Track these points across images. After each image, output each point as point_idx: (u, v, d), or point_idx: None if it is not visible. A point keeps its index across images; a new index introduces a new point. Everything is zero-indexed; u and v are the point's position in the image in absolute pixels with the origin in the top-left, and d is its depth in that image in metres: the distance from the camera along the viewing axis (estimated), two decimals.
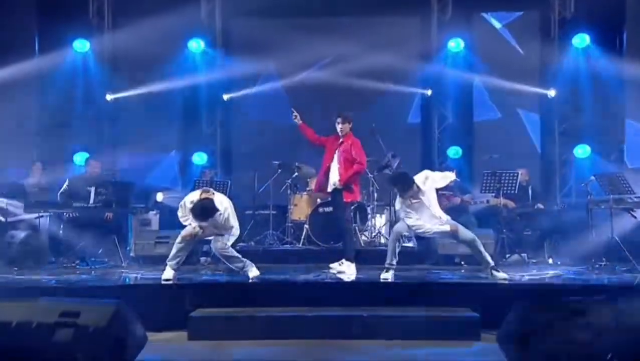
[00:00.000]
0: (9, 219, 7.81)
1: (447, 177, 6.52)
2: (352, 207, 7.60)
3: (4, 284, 6.30)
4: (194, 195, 6.21)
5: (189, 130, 10.26)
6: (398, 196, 6.42)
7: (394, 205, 6.74)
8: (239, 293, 6.11)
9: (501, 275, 6.25)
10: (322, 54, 10.01)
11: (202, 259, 8.06)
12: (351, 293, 6.25)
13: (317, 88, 9.89)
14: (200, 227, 6.19)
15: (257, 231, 9.00)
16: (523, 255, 7.95)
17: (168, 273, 6.27)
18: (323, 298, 5.95)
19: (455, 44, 9.98)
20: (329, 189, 7.22)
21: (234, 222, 6.33)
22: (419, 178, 6.33)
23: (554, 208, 8.59)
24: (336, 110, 7.36)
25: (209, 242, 6.85)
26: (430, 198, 6.34)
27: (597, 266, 7.14)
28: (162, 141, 9.98)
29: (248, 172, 9.57)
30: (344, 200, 7.08)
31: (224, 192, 7.23)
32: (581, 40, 9.68)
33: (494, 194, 8.17)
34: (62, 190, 7.81)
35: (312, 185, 8.77)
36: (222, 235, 6.30)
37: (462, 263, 7.77)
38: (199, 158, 10.09)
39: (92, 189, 7.67)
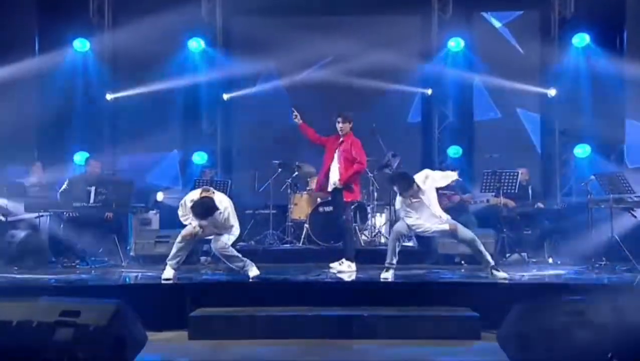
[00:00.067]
0: (9, 218, 7.82)
1: (448, 177, 6.52)
2: (352, 207, 7.61)
3: (4, 283, 6.30)
4: (194, 194, 6.21)
5: (189, 130, 10.26)
6: (398, 195, 6.42)
7: (394, 205, 6.74)
8: (239, 292, 6.11)
9: (501, 274, 6.25)
10: (322, 53, 10.01)
11: (203, 258, 8.07)
12: (351, 292, 6.25)
13: (318, 87, 9.88)
14: (200, 226, 6.19)
15: (257, 230, 9.01)
16: (523, 254, 7.95)
17: (168, 273, 6.27)
18: (323, 297, 5.95)
19: (456, 43, 9.97)
20: (329, 189, 7.22)
21: (234, 221, 6.34)
22: (419, 178, 6.34)
23: (554, 207, 8.59)
24: (336, 110, 7.37)
25: (209, 241, 6.84)
26: (430, 198, 6.34)
27: (597, 265, 7.14)
28: (162, 140, 9.97)
29: (248, 171, 9.58)
30: (344, 199, 7.09)
31: (224, 192, 7.23)
32: (581, 39, 9.67)
33: (494, 193, 8.17)
34: (62, 189, 7.81)
35: (312, 184, 8.78)
36: (222, 234, 6.30)
37: (462, 262, 7.77)
38: (199, 158, 10.08)
39: (92, 189, 7.67)
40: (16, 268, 7.21)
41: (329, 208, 8.12)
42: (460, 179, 7.28)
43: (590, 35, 9.62)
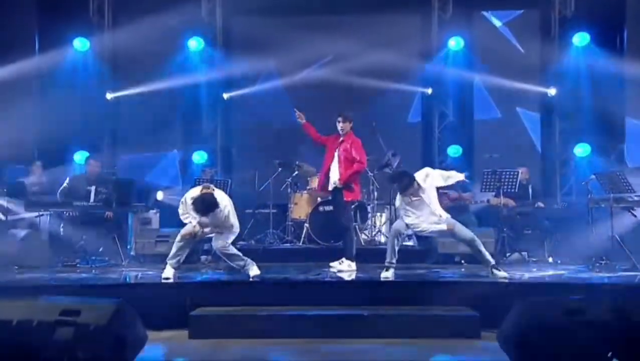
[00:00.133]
0: (10, 217, 7.82)
1: (453, 177, 6.50)
2: (353, 206, 7.61)
3: (4, 283, 6.30)
4: (195, 191, 6.23)
5: (189, 129, 10.26)
6: (398, 193, 6.42)
7: (394, 204, 6.74)
8: (240, 291, 6.11)
9: (502, 273, 6.26)
10: (322, 52, 10.01)
11: (203, 258, 8.07)
12: (351, 292, 6.25)
13: (318, 87, 9.89)
14: (200, 225, 6.20)
15: (258, 230, 9.01)
16: (523, 253, 7.96)
17: (168, 272, 6.27)
18: (323, 297, 5.96)
19: (456, 43, 9.97)
20: (330, 188, 7.23)
21: (234, 220, 6.34)
22: (419, 176, 6.34)
23: (554, 207, 8.60)
24: (336, 109, 7.37)
25: (209, 240, 6.85)
26: (430, 196, 6.34)
27: (597, 265, 7.14)
28: (162, 140, 9.99)
29: (248, 170, 9.58)
30: (345, 199, 7.09)
31: (224, 191, 7.23)
32: (581, 38, 9.67)
33: (494, 193, 8.18)
34: (62, 188, 7.81)
35: (312, 183, 8.79)
36: (222, 233, 6.30)
37: (462, 262, 7.77)
38: (199, 157, 10.09)
39: (93, 188, 7.68)
40: (16, 267, 7.21)
41: (329, 208, 8.12)
42: (468, 181, 7.27)
43: (591, 34, 9.62)
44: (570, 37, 9.75)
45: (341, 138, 7.18)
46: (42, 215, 7.74)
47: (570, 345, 3.90)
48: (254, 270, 6.30)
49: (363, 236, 8.72)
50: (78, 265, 7.48)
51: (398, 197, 6.45)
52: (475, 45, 10.06)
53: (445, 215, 6.40)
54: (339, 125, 7.15)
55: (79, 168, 9.19)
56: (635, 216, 7.31)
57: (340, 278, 6.69)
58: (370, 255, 7.53)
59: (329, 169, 7.22)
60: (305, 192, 8.96)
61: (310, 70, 10.22)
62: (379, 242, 8.71)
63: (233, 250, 6.37)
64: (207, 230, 6.32)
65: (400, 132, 10.10)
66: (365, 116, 8.70)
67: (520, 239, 8.15)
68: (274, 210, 9.01)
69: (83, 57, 9.94)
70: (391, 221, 8.62)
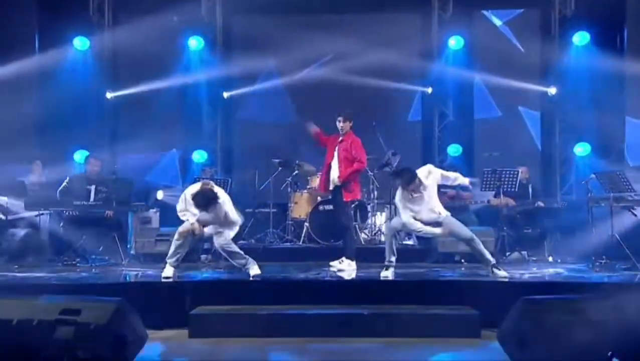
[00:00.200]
0: (10, 217, 7.82)
1: (458, 179, 6.46)
2: (353, 205, 7.61)
3: (4, 282, 6.31)
4: (195, 187, 6.24)
5: (189, 128, 10.26)
6: (399, 189, 6.40)
7: (394, 199, 6.70)
8: (240, 291, 6.11)
9: (502, 273, 6.26)
10: (322, 51, 10.01)
11: (203, 257, 8.08)
12: (351, 291, 6.25)
13: (318, 86, 9.88)
14: (200, 222, 6.19)
15: (258, 229, 9.01)
16: (523, 252, 7.96)
17: (168, 271, 6.27)
18: (323, 296, 5.96)
19: (456, 42, 9.97)
20: (330, 187, 7.23)
21: (234, 215, 6.30)
22: (422, 172, 6.32)
23: (554, 206, 8.58)
24: (336, 108, 7.36)
25: (209, 239, 6.86)
26: (431, 193, 6.32)
27: (597, 264, 7.14)
28: (162, 139, 9.97)
29: (248, 169, 9.58)
30: (344, 199, 7.09)
31: (224, 190, 7.23)
32: (582, 38, 9.66)
33: (494, 193, 8.18)
34: (61, 188, 7.81)
35: (312, 183, 8.79)
36: (222, 232, 6.29)
37: (462, 261, 7.77)
38: (199, 156, 10.09)
39: (92, 187, 7.67)
40: (16, 266, 7.21)
41: (329, 207, 8.12)
42: (471, 187, 7.26)
43: (591, 33, 9.61)
44: (570, 36, 9.74)
45: (341, 138, 7.18)
46: (42, 214, 7.74)
47: (570, 344, 3.91)
48: (254, 270, 6.29)
49: (363, 235, 8.73)
50: (78, 264, 7.47)
51: (398, 192, 6.43)
52: (475, 45, 10.06)
53: (445, 213, 6.39)
54: (339, 125, 7.15)
55: (79, 167, 9.19)
56: (635, 215, 7.31)
57: (340, 277, 6.69)
58: (370, 254, 7.53)
59: (329, 168, 7.22)
60: (305, 191, 8.96)
61: (310, 69, 10.21)
62: (379, 241, 8.70)
63: (235, 247, 6.36)
64: (207, 230, 6.31)
65: (400, 131, 10.10)
66: (365, 115, 8.69)
67: (520, 238, 8.15)
68: (274, 210, 9.01)
69: (83, 56, 9.93)
70: (391, 220, 8.62)
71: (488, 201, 8.36)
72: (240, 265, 6.34)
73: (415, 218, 6.33)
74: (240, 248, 6.62)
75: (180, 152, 10.40)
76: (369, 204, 8.86)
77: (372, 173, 8.73)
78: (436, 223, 6.39)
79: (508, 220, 8.04)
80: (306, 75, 10.12)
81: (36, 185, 8.47)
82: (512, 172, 7.98)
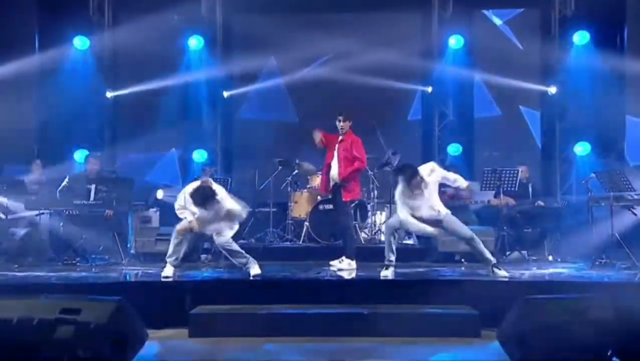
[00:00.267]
0: (10, 216, 7.82)
1: (457, 181, 6.42)
2: (352, 205, 7.61)
3: (4, 281, 6.31)
4: (193, 185, 6.25)
5: (189, 128, 10.24)
6: (400, 186, 6.37)
7: (394, 196, 6.63)
8: (240, 290, 6.12)
9: (502, 273, 6.26)
10: (322, 50, 10.01)
11: (203, 256, 8.07)
12: (351, 290, 6.25)
13: (318, 85, 9.88)
14: (200, 221, 6.19)
15: (258, 228, 9.01)
16: (523, 252, 7.96)
17: (168, 271, 6.28)
18: (323, 295, 5.96)
19: (456, 41, 9.96)
20: (331, 186, 7.24)
21: (236, 208, 6.27)
22: (424, 170, 6.30)
23: (554, 205, 8.59)
24: (336, 107, 7.36)
25: (209, 239, 6.86)
26: (431, 191, 6.30)
27: (597, 263, 7.14)
28: (162, 138, 9.97)
29: (248, 169, 9.58)
30: (343, 199, 7.08)
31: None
32: (581, 37, 9.65)
33: (494, 192, 8.18)
34: (61, 187, 7.80)
35: (313, 182, 8.79)
36: (221, 231, 6.28)
37: (462, 260, 7.77)
38: (199, 156, 10.08)
39: (92, 186, 7.67)
40: (16, 265, 7.22)
41: (329, 206, 8.12)
42: (465, 192, 7.23)
43: (591, 33, 9.60)
44: (570, 35, 9.73)
45: (341, 137, 7.18)
46: (42, 213, 7.74)
47: (570, 344, 3.91)
48: (255, 269, 6.29)
49: (363, 235, 8.73)
50: (78, 264, 7.48)
51: (399, 188, 6.38)
52: (475, 44, 10.05)
53: (445, 211, 6.35)
54: (339, 124, 7.14)
55: (79, 166, 9.18)
56: (635, 214, 7.31)
57: (340, 276, 6.69)
58: (370, 254, 7.53)
59: (329, 168, 7.22)
60: (305, 190, 8.96)
61: (310, 68, 10.21)
62: (379, 241, 8.70)
63: (235, 246, 6.36)
64: (206, 229, 6.30)
65: (401, 131, 10.10)
66: (365, 115, 8.69)
67: (520, 238, 8.15)
68: (274, 209, 9.02)
69: (83, 55, 9.91)
70: (389, 219, 8.62)
71: (488, 201, 8.36)
72: (241, 264, 6.34)
73: (414, 216, 6.31)
74: (241, 248, 6.63)
75: (180, 151, 10.39)
76: (369, 203, 8.86)
77: (372, 173, 8.73)
78: (436, 221, 6.38)
79: (508, 220, 8.04)
80: (306, 75, 10.12)
81: (36, 184, 8.46)
82: (512, 172, 7.98)
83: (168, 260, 6.31)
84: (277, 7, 9.99)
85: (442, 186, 6.98)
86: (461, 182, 6.50)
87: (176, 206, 6.33)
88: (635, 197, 7.17)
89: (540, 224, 8.22)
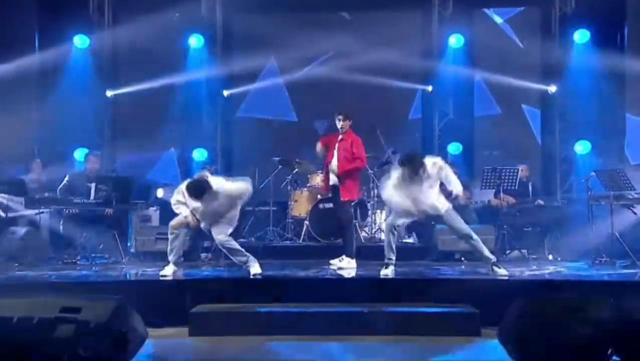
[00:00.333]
0: (10, 215, 7.82)
1: (457, 186, 6.32)
2: (353, 204, 7.61)
3: (4, 280, 6.31)
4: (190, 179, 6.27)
5: (189, 127, 10.25)
6: (400, 171, 6.25)
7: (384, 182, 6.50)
8: (240, 289, 6.12)
9: (502, 271, 6.25)
10: (322, 49, 10.01)
11: (203, 255, 8.08)
12: (351, 289, 6.25)
13: (318, 84, 9.88)
14: (195, 213, 6.18)
15: (258, 227, 9.02)
16: (523, 251, 7.96)
17: (167, 270, 6.31)
18: (323, 294, 5.95)
19: (456, 40, 9.96)
20: (330, 184, 7.24)
21: (238, 187, 6.26)
22: (428, 161, 6.27)
23: (554, 204, 8.60)
24: (336, 106, 7.36)
25: (209, 238, 6.86)
26: (432, 184, 6.22)
27: (597, 262, 7.15)
28: (162, 137, 9.97)
29: (248, 168, 9.56)
30: (341, 198, 7.08)
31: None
32: (582, 35, 9.66)
33: (494, 191, 8.18)
34: (61, 185, 7.81)
35: (313, 181, 8.79)
36: (218, 225, 6.26)
37: (462, 259, 7.77)
38: (199, 155, 10.09)
39: (92, 185, 7.67)
40: (16, 264, 7.22)
41: (329, 205, 8.12)
42: (467, 194, 7.17)
43: (591, 31, 9.60)
44: (570, 34, 9.73)
45: (341, 137, 7.17)
46: (42, 212, 7.74)
47: (570, 342, 3.91)
48: (255, 268, 6.29)
49: (363, 233, 8.73)
50: (78, 263, 7.48)
51: (397, 173, 6.29)
52: (475, 43, 10.05)
53: (446, 207, 6.25)
54: (339, 123, 7.13)
55: (79, 165, 9.19)
56: (635, 213, 7.31)
57: (340, 275, 6.69)
58: (370, 253, 7.53)
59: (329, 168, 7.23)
60: (305, 189, 8.95)
61: (310, 67, 10.21)
62: (379, 239, 8.69)
63: (235, 244, 6.36)
64: (203, 223, 6.29)
65: (401, 130, 10.09)
66: (366, 113, 8.69)
67: (520, 236, 8.15)
68: (274, 208, 9.02)
69: (83, 54, 9.92)
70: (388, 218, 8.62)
71: (488, 202, 8.37)
72: (241, 263, 6.34)
73: (413, 210, 6.28)
74: (240, 246, 6.63)
75: (181, 150, 10.39)
76: (369, 202, 8.86)
77: (372, 172, 8.73)
78: (437, 217, 6.35)
79: (508, 218, 8.04)
80: (306, 74, 10.12)
81: (36, 183, 8.47)
82: (512, 170, 7.98)
83: (169, 258, 6.33)
84: (277, 7, 10.00)
85: (441, 184, 6.98)
86: (457, 186, 6.35)
87: (172, 201, 6.34)
88: (635, 195, 7.17)
89: (540, 223, 8.22)
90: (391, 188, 6.30)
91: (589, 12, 9.63)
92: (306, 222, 8.59)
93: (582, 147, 9.66)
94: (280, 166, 9.07)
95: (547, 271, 6.94)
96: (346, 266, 6.97)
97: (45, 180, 8.53)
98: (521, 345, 4.09)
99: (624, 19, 9.58)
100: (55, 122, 9.50)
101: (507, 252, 7.94)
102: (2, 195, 7.78)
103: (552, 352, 3.92)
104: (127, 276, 6.83)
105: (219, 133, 10.34)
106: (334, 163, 7.10)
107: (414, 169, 6.14)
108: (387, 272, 6.32)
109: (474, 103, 10.35)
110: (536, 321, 4.04)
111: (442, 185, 6.41)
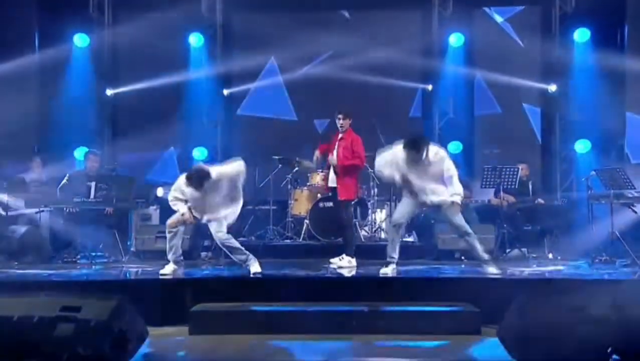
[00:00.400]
0: (10, 213, 7.83)
1: (457, 186, 6.24)
2: (353, 203, 7.61)
3: (4, 279, 6.31)
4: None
5: (189, 125, 10.25)
6: (404, 152, 6.20)
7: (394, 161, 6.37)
8: (240, 288, 6.11)
9: (492, 269, 6.27)
10: (323, 48, 10.02)
11: (203, 254, 8.08)
12: (352, 288, 6.25)
13: (318, 83, 9.88)
14: (190, 210, 6.18)
15: (258, 226, 9.02)
16: (523, 250, 7.96)
17: (167, 269, 6.31)
18: (323, 293, 5.95)
19: (456, 39, 9.96)
20: (330, 183, 7.25)
21: (226, 169, 6.24)
22: (432, 148, 6.24)
23: (554, 203, 8.59)
24: (337, 105, 7.36)
25: (209, 237, 6.86)
26: (435, 172, 6.18)
27: (597, 261, 7.15)
28: (162, 136, 9.96)
29: (248, 167, 9.53)
30: (338, 198, 7.07)
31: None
32: (582, 35, 9.66)
33: (494, 190, 8.17)
34: (61, 184, 7.81)
35: (313, 180, 8.79)
36: (215, 220, 6.26)
37: (462, 258, 7.77)
38: (200, 153, 10.09)
39: (93, 184, 7.67)
40: (16, 263, 7.22)
41: (329, 204, 8.12)
42: (467, 193, 7.15)
43: (591, 30, 9.61)
44: (571, 33, 9.74)
45: (341, 135, 7.17)
46: (43, 211, 7.74)
47: (570, 341, 3.91)
48: (255, 267, 6.29)
49: (363, 232, 8.73)
50: (78, 261, 7.48)
51: (398, 153, 6.23)
52: (475, 42, 10.05)
53: (450, 199, 6.14)
54: (339, 122, 7.13)
55: (79, 164, 9.19)
56: (635, 212, 7.31)
57: (341, 274, 6.69)
58: (370, 252, 7.54)
59: (329, 166, 7.23)
60: (305, 188, 8.95)
61: (310, 66, 10.21)
62: (379, 238, 8.71)
63: (235, 243, 6.35)
64: (201, 217, 6.29)
65: (401, 129, 10.06)
66: (366, 112, 8.69)
67: (520, 235, 8.14)
68: (274, 207, 9.02)
69: (83, 53, 9.93)
70: (391, 217, 8.62)
71: (489, 201, 8.37)
72: (241, 261, 6.33)
73: (415, 197, 6.24)
74: (240, 245, 6.63)
75: (181, 149, 10.39)
76: (369, 201, 8.86)
77: (372, 171, 8.72)
78: (437, 207, 6.32)
79: (508, 218, 8.04)
80: (306, 73, 10.12)
81: (36, 182, 8.47)
82: (512, 169, 7.98)
83: (168, 257, 6.33)
84: (277, 6, 10.00)
85: None
86: (457, 186, 6.24)
87: (170, 198, 6.33)
88: (635, 194, 7.17)
89: (540, 222, 8.22)
90: (387, 161, 6.27)
91: (589, 11, 9.63)
92: (306, 221, 8.59)
93: (582, 146, 9.66)
94: (280, 165, 9.07)
95: (547, 270, 6.94)
96: (346, 265, 6.97)
97: (46, 179, 8.53)
98: (521, 343, 4.10)
99: (624, 18, 9.59)
100: (55, 120, 9.51)
101: (507, 250, 7.93)
102: (3, 193, 7.78)
103: (552, 351, 3.93)
104: (127, 275, 6.83)
105: (219, 132, 10.34)
106: (334, 157, 7.09)
107: (418, 151, 6.11)
108: (387, 271, 6.32)
109: (474, 102, 10.35)
110: (536, 320, 4.04)
111: None
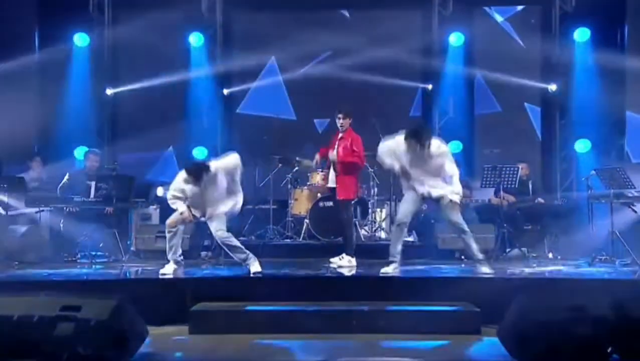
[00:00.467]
0: (10, 213, 7.82)
1: (456, 185, 6.25)
2: (353, 202, 7.61)
3: (5, 278, 6.31)
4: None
5: (189, 125, 10.24)
6: (406, 144, 6.21)
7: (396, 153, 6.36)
8: (240, 287, 6.12)
9: (485, 269, 6.28)
10: (323, 48, 10.01)
11: (203, 254, 8.07)
12: (352, 287, 6.26)
13: (318, 82, 9.88)
14: (189, 208, 6.18)
15: (258, 226, 9.01)
16: (523, 249, 7.95)
17: (167, 268, 6.31)
18: (323, 292, 5.96)
19: (456, 38, 9.95)
20: (330, 184, 7.25)
21: (223, 163, 6.27)
22: (435, 141, 6.24)
23: (554, 202, 8.60)
24: (337, 105, 7.36)
25: (209, 236, 6.85)
26: (437, 165, 6.19)
27: (597, 260, 7.15)
28: (162, 135, 9.96)
29: (248, 166, 9.54)
30: (337, 197, 7.07)
31: None
32: (582, 34, 9.65)
33: (494, 188, 8.17)
34: (61, 184, 7.80)
35: (313, 179, 8.79)
36: (213, 218, 6.25)
37: (462, 257, 7.76)
38: (199, 153, 10.08)
39: (93, 183, 7.67)
40: (17, 263, 7.21)
41: (329, 203, 8.12)
42: (467, 192, 7.14)
43: (591, 30, 9.60)
44: (571, 32, 9.73)
45: (341, 135, 7.17)
46: (43, 210, 7.74)
47: (570, 340, 3.91)
48: (255, 266, 6.28)
49: (363, 232, 8.72)
50: (78, 261, 7.49)
51: (401, 144, 6.23)
52: (475, 41, 10.04)
53: (450, 197, 6.16)
54: (339, 122, 7.13)
55: (79, 163, 9.19)
56: (635, 212, 7.32)
57: (341, 273, 6.69)
58: (371, 251, 7.54)
59: (330, 165, 7.23)
60: (305, 187, 8.95)
61: (310, 65, 10.21)
62: (379, 238, 8.71)
63: (235, 241, 6.34)
64: (200, 214, 6.29)
65: (401, 128, 10.02)
66: (366, 112, 8.68)
67: (520, 235, 8.14)
68: (274, 206, 9.02)
69: (83, 52, 9.92)
70: (391, 217, 8.63)
71: (488, 200, 8.37)
72: (241, 260, 6.33)
73: (414, 190, 6.23)
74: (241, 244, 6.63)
75: (181, 148, 10.37)
76: (369, 200, 8.85)
77: (372, 170, 8.73)
78: (435, 201, 6.32)
79: (508, 217, 8.03)
80: (306, 72, 10.12)
81: (36, 181, 8.48)
82: (512, 169, 7.97)
83: (168, 256, 6.33)
84: (277, 5, 9.99)
85: None
86: (457, 185, 6.26)
87: (168, 196, 6.33)
88: (636, 194, 7.17)
89: (540, 221, 8.22)
90: (389, 149, 6.27)
91: (589, 11, 9.62)
92: (306, 220, 8.59)
93: (582, 145, 9.65)
94: (280, 164, 9.07)
95: (547, 269, 6.94)
96: (346, 264, 6.97)
97: (46, 179, 8.53)
98: (521, 343, 4.10)
99: (624, 17, 9.59)
100: (55, 120, 9.50)
101: (507, 250, 7.93)
102: (3, 193, 7.78)
103: (552, 350, 3.93)
104: (127, 274, 6.83)
105: (219, 132, 10.32)
106: (334, 153, 7.09)
107: (419, 141, 6.10)
108: (388, 270, 6.31)
109: (474, 101, 10.35)
110: (536, 320, 4.04)
111: None
